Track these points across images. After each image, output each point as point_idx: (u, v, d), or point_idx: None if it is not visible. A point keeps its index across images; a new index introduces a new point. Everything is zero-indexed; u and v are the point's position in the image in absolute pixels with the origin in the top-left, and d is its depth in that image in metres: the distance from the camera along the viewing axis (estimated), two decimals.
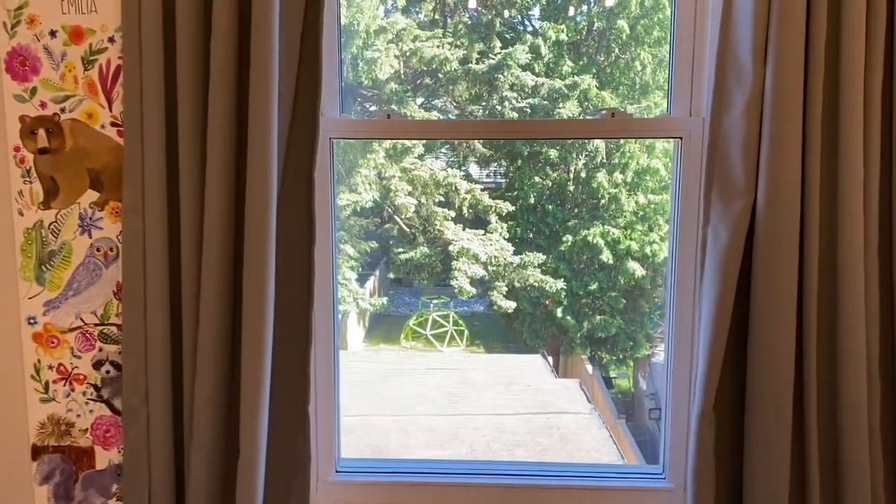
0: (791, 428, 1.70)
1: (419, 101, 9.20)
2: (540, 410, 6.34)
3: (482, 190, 9.17)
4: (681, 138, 1.91)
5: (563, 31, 8.72)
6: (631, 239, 8.78)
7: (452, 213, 9.17)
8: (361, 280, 9.56)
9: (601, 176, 8.78)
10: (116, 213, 1.88)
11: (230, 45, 1.67)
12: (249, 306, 1.70)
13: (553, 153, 8.93)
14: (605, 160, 8.91)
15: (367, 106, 9.15)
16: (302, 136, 1.75)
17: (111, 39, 1.82)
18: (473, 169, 9.61)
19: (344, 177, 8.75)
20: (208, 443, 1.78)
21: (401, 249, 9.51)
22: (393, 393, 6.77)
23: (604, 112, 1.92)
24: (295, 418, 1.83)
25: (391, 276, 10.37)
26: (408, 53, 8.77)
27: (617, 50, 8.99)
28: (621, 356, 9.38)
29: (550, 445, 5.67)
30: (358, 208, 8.96)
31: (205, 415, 1.76)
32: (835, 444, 1.74)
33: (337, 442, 2.09)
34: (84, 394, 1.97)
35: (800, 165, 1.64)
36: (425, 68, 8.93)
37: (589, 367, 9.05)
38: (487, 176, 9.70)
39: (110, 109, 1.85)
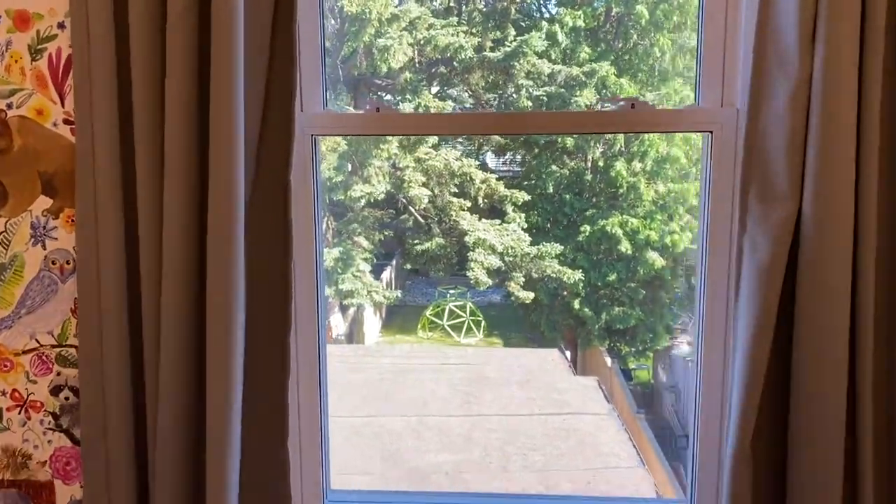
0: (843, 471, 1.46)
1: (434, 89, 9.02)
2: (557, 411, 6.13)
3: (498, 179, 8.99)
4: (711, 132, 1.67)
5: (580, 17, 8.51)
6: (650, 229, 8.59)
7: (468, 204, 8.98)
8: (378, 270, 9.41)
9: (620, 164, 8.58)
10: (72, 221, 1.67)
11: (188, 31, 1.44)
12: (214, 332, 1.49)
13: (570, 142, 8.73)
14: (623, 148, 8.69)
15: (382, 95, 8.98)
16: (275, 137, 1.53)
17: (61, 25, 1.61)
18: (490, 158, 9.43)
19: (358, 168, 8.56)
20: (174, 483, 1.57)
21: (416, 241, 9.34)
22: (405, 391, 6.58)
23: (622, 102, 1.68)
24: (271, 457, 1.61)
25: (407, 266, 10.22)
26: (422, 42, 8.59)
27: (635, 36, 8.77)
28: (640, 348, 9.22)
29: (568, 449, 5.45)
30: (372, 199, 8.79)
31: (168, 451, 1.55)
32: (892, 490, 1.50)
33: (325, 474, 1.88)
34: (41, 422, 1.77)
35: (854, 167, 1.39)
36: (440, 57, 8.74)
37: (608, 360, 8.89)
38: (504, 164, 9.52)
39: (62, 105, 1.64)
